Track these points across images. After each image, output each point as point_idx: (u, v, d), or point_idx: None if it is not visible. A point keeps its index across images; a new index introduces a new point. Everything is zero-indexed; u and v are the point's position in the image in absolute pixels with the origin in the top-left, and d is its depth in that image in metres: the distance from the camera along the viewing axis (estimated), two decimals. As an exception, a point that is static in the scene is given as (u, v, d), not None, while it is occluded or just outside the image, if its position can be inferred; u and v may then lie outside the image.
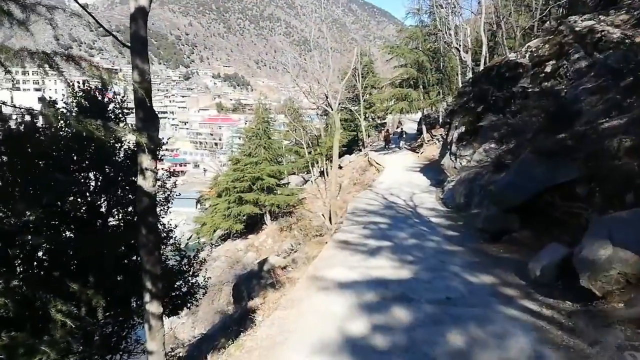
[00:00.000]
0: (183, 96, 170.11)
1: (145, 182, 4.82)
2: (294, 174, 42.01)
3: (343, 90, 30.73)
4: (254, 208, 28.75)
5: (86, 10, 5.45)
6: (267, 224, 30.14)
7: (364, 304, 5.56)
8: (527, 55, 17.28)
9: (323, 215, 19.27)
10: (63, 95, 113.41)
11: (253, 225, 31.92)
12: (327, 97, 19.34)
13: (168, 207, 8.90)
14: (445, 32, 26.85)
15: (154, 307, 5.11)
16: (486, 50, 24.38)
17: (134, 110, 4.90)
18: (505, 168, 11.98)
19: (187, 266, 8.87)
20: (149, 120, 4.75)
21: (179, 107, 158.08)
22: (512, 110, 14.85)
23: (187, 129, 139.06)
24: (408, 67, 29.47)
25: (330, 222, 16.70)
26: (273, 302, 6.48)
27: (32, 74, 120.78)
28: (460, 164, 16.68)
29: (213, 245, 34.59)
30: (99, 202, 7.22)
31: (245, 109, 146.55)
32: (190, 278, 8.88)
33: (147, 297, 5.07)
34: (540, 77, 15.40)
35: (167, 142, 9.12)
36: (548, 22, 23.79)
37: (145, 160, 4.79)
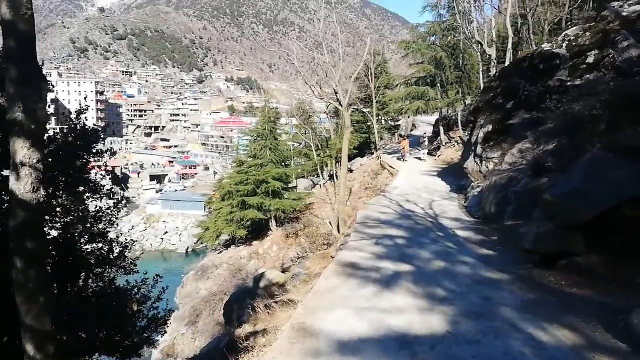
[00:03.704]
0: (196, 99, 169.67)
1: (20, 185, 2.94)
2: (303, 177, 40.29)
3: (355, 90, 29.00)
4: (258, 213, 26.97)
5: None
6: (273, 230, 28.31)
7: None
8: (565, 44, 15.28)
9: (330, 223, 17.36)
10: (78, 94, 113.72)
11: (258, 231, 30.17)
12: (336, 93, 17.46)
13: (115, 217, 6.91)
14: (466, 27, 24.80)
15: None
16: (511, 44, 22.22)
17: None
18: (546, 172, 10.00)
19: (135, 297, 6.88)
20: (27, 83, 2.87)
21: (191, 110, 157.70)
22: (549, 106, 12.89)
23: (199, 131, 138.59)
24: (425, 64, 27.44)
25: (339, 231, 14.84)
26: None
27: (46, 75, 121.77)
28: (487, 167, 14.66)
29: (215, 252, 32.98)
30: None
31: (257, 112, 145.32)
32: (146, 312, 6.97)
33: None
34: (581, 68, 13.44)
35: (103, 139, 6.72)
36: (584, 11, 21.70)
37: (21, 150, 2.92)
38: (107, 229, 6.58)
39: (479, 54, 25.32)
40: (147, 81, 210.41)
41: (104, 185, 6.42)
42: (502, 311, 4.91)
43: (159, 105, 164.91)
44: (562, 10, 25.19)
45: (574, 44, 14.83)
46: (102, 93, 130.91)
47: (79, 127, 6.04)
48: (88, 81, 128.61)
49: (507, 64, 21.01)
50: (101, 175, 6.55)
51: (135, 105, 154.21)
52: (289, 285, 11.33)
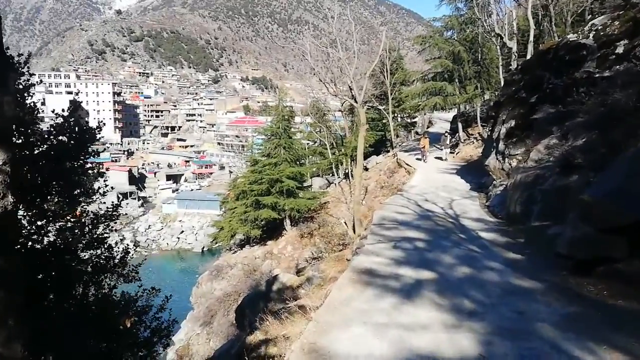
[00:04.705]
0: (211, 99, 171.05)
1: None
2: (318, 175, 39.91)
3: (370, 87, 28.43)
4: (272, 212, 26.57)
5: None
6: (287, 230, 27.92)
7: None
8: (592, 34, 14.56)
9: (345, 223, 16.88)
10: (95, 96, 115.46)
11: (272, 230, 29.84)
12: (351, 89, 16.98)
13: (114, 221, 6.42)
14: (485, 19, 23.99)
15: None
16: (532, 37, 21.36)
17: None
18: (575, 169, 9.39)
19: (132, 309, 6.39)
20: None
21: (207, 110, 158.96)
22: (577, 99, 12.26)
23: (215, 131, 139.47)
24: (442, 59, 26.69)
25: (354, 232, 14.37)
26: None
27: (64, 77, 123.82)
28: (510, 164, 13.99)
29: (230, 251, 32.78)
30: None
31: (272, 111, 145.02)
32: (148, 322, 6.51)
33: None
34: (610, 59, 12.73)
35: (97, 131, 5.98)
36: (607, 0, 20.76)
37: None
38: (106, 234, 6.15)
39: (498, 47, 24.50)
40: (163, 82, 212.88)
41: (99, 187, 5.99)
42: (540, 328, 4.33)
43: (175, 106, 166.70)
44: (585, 0, 24.19)
45: (602, 33, 14.14)
46: (119, 94, 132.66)
47: (72, 125, 5.64)
48: (105, 82, 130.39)
49: (528, 56, 20.20)
50: (93, 176, 6.09)
51: (151, 105, 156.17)
52: (303, 289, 10.91)
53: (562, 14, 25.01)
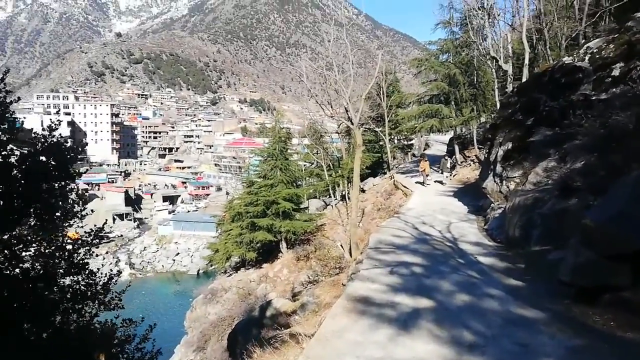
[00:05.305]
0: (209, 120, 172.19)
1: None
2: (314, 197, 39.69)
3: (366, 109, 28.53)
4: (268, 235, 26.21)
5: None
6: (283, 253, 27.53)
7: None
8: (587, 57, 14.60)
9: (342, 246, 16.61)
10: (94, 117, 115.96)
11: (268, 253, 29.44)
12: (347, 111, 16.94)
13: (96, 245, 6.10)
14: (480, 43, 24.26)
15: None
16: (528, 60, 21.54)
17: None
18: (575, 192, 9.23)
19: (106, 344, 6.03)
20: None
21: (204, 131, 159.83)
22: (574, 121, 12.20)
23: (212, 152, 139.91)
24: (438, 81, 26.89)
25: (350, 255, 14.12)
26: None
27: (62, 98, 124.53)
28: (508, 187, 13.83)
29: (225, 274, 32.25)
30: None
31: (268, 132, 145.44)
32: (130, 354, 6.18)
33: None
34: (606, 82, 12.73)
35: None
36: (599, 26, 21.03)
37: None
38: (87, 259, 5.83)
39: (493, 70, 24.71)
40: (162, 103, 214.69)
41: (79, 210, 5.73)
42: (545, 363, 4.09)
43: (173, 127, 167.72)
44: (578, 24, 24.53)
45: (597, 56, 14.16)
46: (117, 115, 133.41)
47: (52, 145, 5.41)
48: (104, 104, 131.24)
49: (524, 79, 20.33)
50: (72, 199, 5.80)
51: (149, 127, 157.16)
52: (297, 314, 10.58)
53: (556, 37, 25.31)
